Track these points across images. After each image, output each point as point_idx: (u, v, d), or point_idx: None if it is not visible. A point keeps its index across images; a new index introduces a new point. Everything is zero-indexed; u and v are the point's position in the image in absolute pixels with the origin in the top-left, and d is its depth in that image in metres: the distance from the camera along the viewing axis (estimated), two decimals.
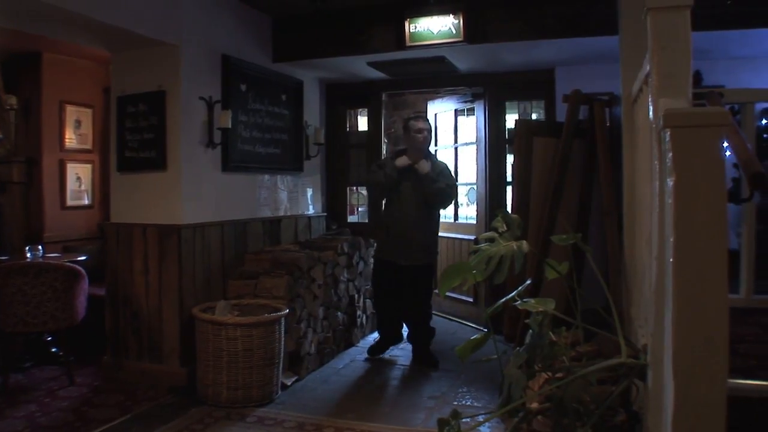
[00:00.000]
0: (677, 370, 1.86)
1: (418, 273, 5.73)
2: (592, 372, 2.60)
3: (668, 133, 1.90)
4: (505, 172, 6.86)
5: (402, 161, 5.70)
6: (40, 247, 5.63)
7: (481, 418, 3.41)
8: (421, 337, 5.86)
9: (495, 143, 6.89)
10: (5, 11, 4.16)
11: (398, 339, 6.18)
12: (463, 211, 7.81)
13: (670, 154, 1.86)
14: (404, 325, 6.16)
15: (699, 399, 1.85)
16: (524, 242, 2.95)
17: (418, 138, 5.69)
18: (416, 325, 5.89)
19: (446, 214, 7.91)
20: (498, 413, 2.78)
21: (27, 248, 5.54)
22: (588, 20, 5.17)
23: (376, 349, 6.03)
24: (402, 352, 6.15)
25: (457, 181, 7.24)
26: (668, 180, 1.88)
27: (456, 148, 7.57)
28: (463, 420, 2.84)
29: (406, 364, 5.76)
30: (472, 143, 7.20)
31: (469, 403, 4.74)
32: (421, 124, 5.73)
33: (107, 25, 4.48)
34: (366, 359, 5.95)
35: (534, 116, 7.35)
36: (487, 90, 6.90)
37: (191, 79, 5.14)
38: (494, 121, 6.90)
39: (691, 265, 1.84)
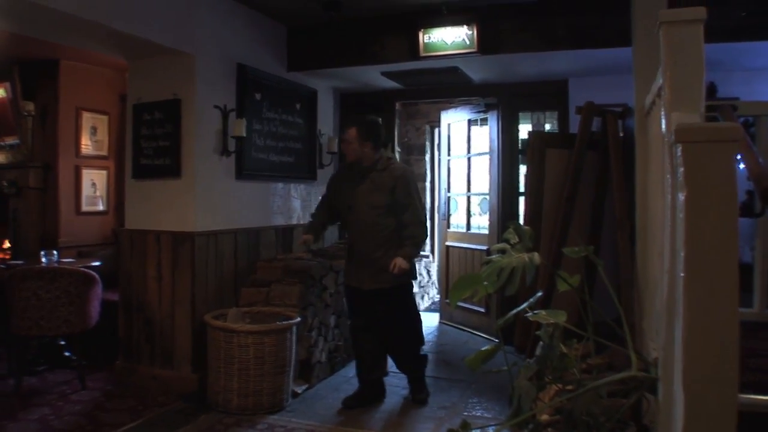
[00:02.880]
0: (687, 384, 1.87)
1: (390, 297, 4.83)
2: (602, 385, 2.60)
3: (680, 147, 1.91)
4: (518, 183, 6.86)
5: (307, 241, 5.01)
6: (55, 252, 5.68)
7: (491, 430, 3.42)
8: (409, 367, 5.08)
9: (508, 154, 6.89)
10: (24, 20, 4.22)
11: (379, 393, 5.08)
12: (476, 221, 7.81)
13: (682, 169, 1.87)
14: (385, 370, 5.15)
15: (709, 413, 1.85)
16: (536, 254, 2.96)
17: (344, 150, 4.98)
18: (401, 354, 5.08)
19: (458, 224, 7.92)
20: (507, 424, 2.78)
21: (42, 253, 5.60)
22: (601, 32, 5.18)
23: (351, 400, 4.91)
24: None
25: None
26: (680, 195, 1.89)
27: (469, 158, 7.58)
28: (474, 431, 2.85)
29: None
30: (485, 153, 7.20)
31: (479, 413, 4.74)
32: (344, 136, 4.96)
33: (124, 34, 4.53)
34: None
35: (547, 127, 7.35)
36: (500, 100, 6.91)
37: (206, 87, 5.19)
38: (507, 131, 6.91)
39: (702, 279, 1.84)
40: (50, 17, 4.04)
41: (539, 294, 3.52)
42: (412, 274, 4.92)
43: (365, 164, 4.84)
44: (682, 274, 1.88)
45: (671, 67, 2.35)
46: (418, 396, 4.98)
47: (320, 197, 5.45)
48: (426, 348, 6.63)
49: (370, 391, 4.98)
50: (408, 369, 5.08)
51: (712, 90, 5.31)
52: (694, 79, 2.33)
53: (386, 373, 5.14)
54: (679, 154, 1.91)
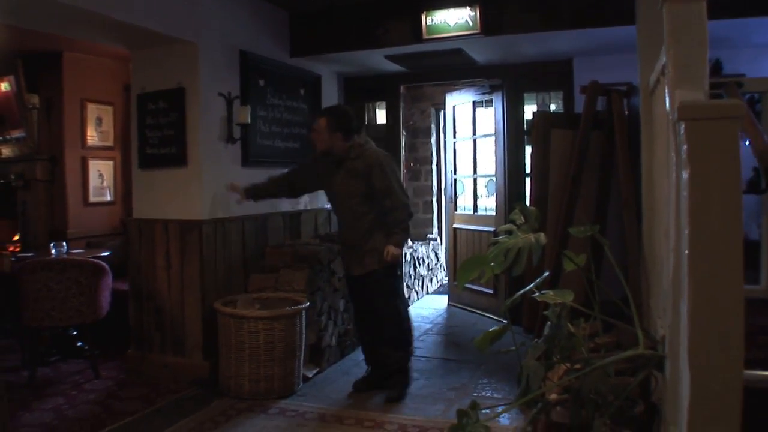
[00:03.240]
0: (693, 361, 1.88)
1: (373, 281, 4.76)
2: (610, 363, 2.62)
3: (683, 125, 1.91)
4: (524, 164, 6.85)
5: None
6: (64, 243, 5.70)
7: (500, 410, 3.44)
8: (386, 354, 4.85)
9: (513, 135, 6.88)
10: (25, 13, 4.22)
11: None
12: (482, 202, 7.81)
13: (685, 147, 1.87)
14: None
15: (715, 389, 1.87)
16: (542, 234, 2.97)
17: (314, 139, 4.91)
18: (381, 341, 4.89)
19: (465, 206, 7.93)
20: (516, 404, 2.80)
21: (51, 244, 5.62)
22: (604, 10, 5.15)
23: (361, 384, 4.93)
24: (422, 344, 6.18)
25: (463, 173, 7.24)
26: (683, 172, 1.90)
27: (474, 140, 7.57)
28: (483, 411, 2.87)
29: (427, 356, 5.78)
30: (490, 135, 7.19)
31: (489, 394, 4.77)
32: (313, 126, 4.90)
33: (125, 24, 4.52)
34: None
35: (553, 107, 7.34)
36: (505, 81, 6.90)
37: (210, 75, 5.19)
38: (512, 112, 6.90)
39: (706, 257, 1.85)
40: (50, 9, 4.05)
41: (546, 274, 3.55)
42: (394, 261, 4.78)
43: (338, 153, 4.79)
44: (686, 252, 1.89)
45: (674, 45, 2.34)
46: (390, 392, 4.72)
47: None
48: (435, 330, 6.73)
49: (379, 374, 4.91)
50: (385, 356, 4.84)
51: (717, 67, 5.29)
52: (697, 57, 2.31)
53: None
54: (683, 131, 1.91)
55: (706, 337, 1.87)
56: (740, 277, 1.83)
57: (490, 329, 2.91)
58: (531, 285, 3.07)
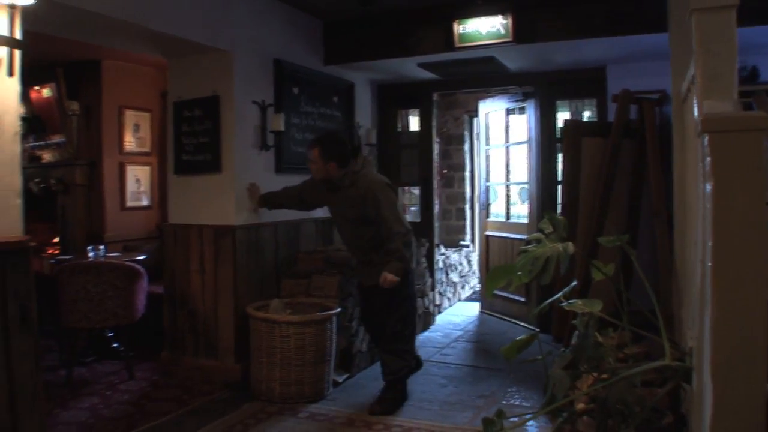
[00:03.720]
0: (716, 372, 1.89)
1: (381, 295, 4.75)
2: (636, 374, 2.62)
3: (706, 137, 1.92)
4: (557, 171, 6.81)
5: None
6: (101, 246, 5.82)
7: (523, 418, 3.45)
8: (384, 364, 4.87)
9: (546, 142, 6.86)
10: (67, 23, 4.33)
11: (415, 364, 5.13)
12: (515, 210, 7.81)
13: (708, 159, 1.88)
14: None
15: (737, 401, 1.87)
16: (570, 244, 2.99)
17: (310, 168, 4.95)
18: (381, 350, 4.97)
19: (498, 213, 7.93)
20: (540, 413, 2.82)
21: (89, 248, 5.75)
22: (637, 18, 5.12)
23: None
24: (453, 351, 6.20)
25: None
26: (706, 185, 1.90)
27: (507, 148, 7.57)
28: (512, 419, 2.89)
29: (456, 363, 5.80)
30: (523, 142, 7.19)
31: (517, 402, 4.77)
32: (308, 155, 4.90)
33: (163, 34, 4.63)
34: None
35: (586, 114, 7.33)
36: (537, 89, 6.89)
37: (244, 83, 5.27)
38: (545, 120, 6.88)
39: (729, 269, 1.86)
40: (91, 20, 4.14)
41: (574, 283, 3.55)
42: (403, 275, 4.71)
43: (334, 180, 4.82)
44: (709, 264, 1.90)
45: (703, 55, 2.34)
46: (374, 405, 4.64)
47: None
48: (465, 337, 6.74)
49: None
50: (385, 367, 4.83)
51: (754, 74, 5.24)
52: (726, 67, 2.31)
53: (420, 365, 5.24)
54: (706, 143, 1.92)
55: (729, 349, 1.87)
56: (764, 289, 1.83)
57: (518, 338, 2.93)
58: (559, 294, 3.09)
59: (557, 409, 2.77)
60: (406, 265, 4.71)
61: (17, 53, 3.23)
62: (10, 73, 3.22)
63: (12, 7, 3.12)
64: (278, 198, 5.32)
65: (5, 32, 3.14)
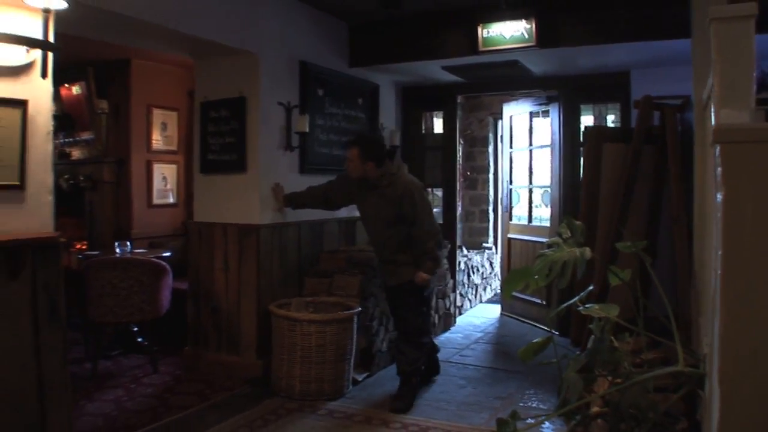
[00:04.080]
0: (723, 379, 1.92)
1: (403, 292, 4.96)
2: (649, 378, 2.65)
3: (718, 147, 1.95)
4: (579, 175, 6.81)
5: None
6: (128, 243, 5.94)
7: (534, 421, 3.48)
8: (399, 362, 5.01)
9: (569, 146, 6.86)
10: (98, 26, 4.43)
11: (433, 369, 5.43)
12: (538, 213, 7.83)
13: (719, 169, 1.92)
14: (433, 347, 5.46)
15: (744, 408, 1.90)
16: (587, 249, 3.02)
17: (347, 168, 5.05)
18: (399, 339, 5.12)
19: (520, 216, 7.95)
20: (553, 415, 2.86)
21: (116, 244, 5.85)
22: (660, 24, 5.13)
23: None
24: (472, 352, 6.25)
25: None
26: (718, 194, 1.94)
27: (531, 151, 7.60)
28: (528, 420, 2.93)
29: (475, 365, 5.84)
30: (546, 146, 7.21)
31: (534, 405, 4.80)
32: (347, 154, 5.02)
33: (191, 36, 4.71)
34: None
35: (610, 118, 7.32)
36: (561, 93, 6.91)
37: (270, 85, 5.35)
38: (569, 124, 6.90)
39: (738, 278, 1.89)
40: (122, 23, 4.24)
41: (590, 288, 3.58)
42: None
43: (371, 180, 4.95)
44: (719, 272, 1.93)
45: (721, 64, 2.36)
46: (395, 401, 4.76)
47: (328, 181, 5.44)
48: (485, 339, 6.78)
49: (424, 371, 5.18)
50: (399, 362, 4.99)
51: None
52: (744, 76, 2.33)
53: (436, 350, 5.49)
54: (718, 153, 1.95)
55: (737, 356, 1.90)
56: None
57: (534, 340, 2.97)
58: (575, 298, 3.12)
59: (571, 412, 2.81)
60: (438, 264, 4.99)
61: (50, 56, 3.33)
62: (44, 75, 3.32)
63: (46, 11, 3.22)
64: (302, 198, 5.41)
65: (39, 35, 3.24)
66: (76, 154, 7.46)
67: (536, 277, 3.05)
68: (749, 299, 1.89)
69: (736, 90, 2.32)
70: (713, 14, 2.38)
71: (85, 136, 7.32)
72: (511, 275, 3.18)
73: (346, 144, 5.25)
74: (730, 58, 2.35)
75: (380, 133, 6.93)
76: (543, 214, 7.78)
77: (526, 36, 5.54)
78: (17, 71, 3.28)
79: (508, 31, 5.61)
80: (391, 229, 4.93)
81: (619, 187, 5.01)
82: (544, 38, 5.52)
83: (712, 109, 2.44)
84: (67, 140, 7.42)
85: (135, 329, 5.95)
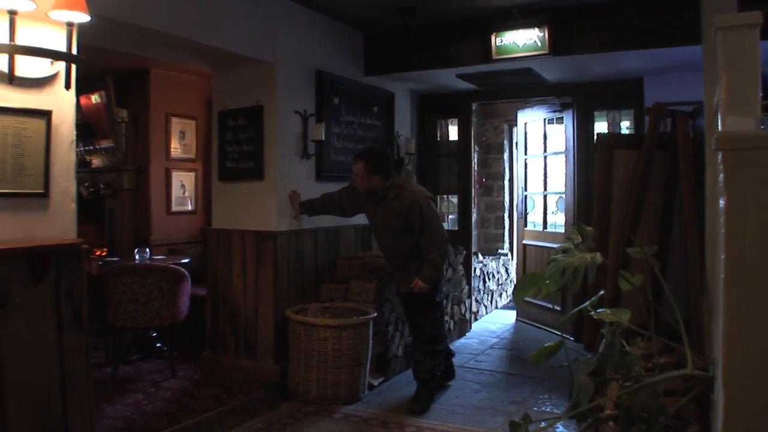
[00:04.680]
0: (727, 381, 1.96)
1: (416, 300, 5.03)
2: (658, 381, 2.69)
3: (720, 154, 2.00)
4: (594, 182, 6.85)
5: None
6: (147, 249, 6.04)
7: (545, 424, 3.52)
8: (415, 368, 5.13)
9: (584, 153, 6.89)
10: (119, 37, 4.54)
11: (448, 373, 5.47)
12: (552, 219, 7.87)
13: (721, 176, 1.97)
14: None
15: (746, 410, 1.94)
16: (598, 254, 3.06)
17: (354, 181, 5.15)
18: (414, 348, 5.26)
19: (535, 222, 7.99)
20: (564, 417, 2.91)
21: (136, 250, 5.96)
22: (672, 31, 5.16)
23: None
24: (487, 358, 6.29)
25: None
26: (720, 200, 1.99)
27: (545, 157, 7.64)
28: (541, 424, 2.98)
29: (490, 370, 5.88)
30: (561, 153, 7.25)
31: (548, 409, 4.83)
32: (353, 168, 5.10)
33: (209, 47, 4.81)
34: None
35: (625, 124, 7.35)
36: (575, 100, 6.95)
37: (287, 94, 5.43)
38: (583, 130, 6.93)
39: (740, 282, 1.93)
40: (143, 35, 4.35)
41: (601, 293, 3.62)
42: (436, 283, 5.05)
43: (378, 192, 5.03)
44: (722, 277, 1.98)
45: (727, 72, 2.40)
46: (413, 403, 4.86)
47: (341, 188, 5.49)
48: (500, 344, 6.81)
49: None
50: (415, 368, 5.11)
51: None
52: (750, 83, 2.36)
53: (452, 354, 5.55)
54: (720, 160, 2.00)
55: (740, 359, 1.95)
56: None
57: (546, 344, 3.02)
58: (586, 303, 3.17)
59: (582, 414, 2.85)
60: (438, 275, 5.04)
61: (74, 67, 3.43)
62: (67, 86, 3.42)
63: (70, 25, 3.31)
64: (318, 205, 5.49)
65: (63, 48, 3.34)
66: (96, 162, 7.58)
67: (548, 282, 3.10)
68: (752, 303, 1.92)
69: (742, 97, 2.36)
70: (719, 23, 2.42)
71: (105, 144, 7.44)
72: (522, 280, 3.23)
73: (353, 158, 5.32)
74: (736, 66, 2.38)
75: (396, 141, 7.00)
76: (558, 221, 7.82)
77: (539, 44, 5.59)
78: (42, 83, 3.38)
79: (521, 40, 5.66)
80: (400, 239, 5.03)
81: (630, 193, 5.04)
82: (556, 46, 5.57)
83: (719, 116, 2.48)
84: (87, 148, 7.54)
85: (154, 334, 6.06)
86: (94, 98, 7.29)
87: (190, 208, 7.58)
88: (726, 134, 2.00)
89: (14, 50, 3.13)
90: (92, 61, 3.55)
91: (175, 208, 7.40)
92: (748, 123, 2.24)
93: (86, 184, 7.28)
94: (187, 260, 6.17)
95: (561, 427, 4.31)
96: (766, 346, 1.92)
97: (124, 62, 6.61)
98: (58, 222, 3.50)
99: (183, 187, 7.46)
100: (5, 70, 3.16)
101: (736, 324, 1.94)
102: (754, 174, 1.91)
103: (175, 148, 7.39)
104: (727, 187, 1.93)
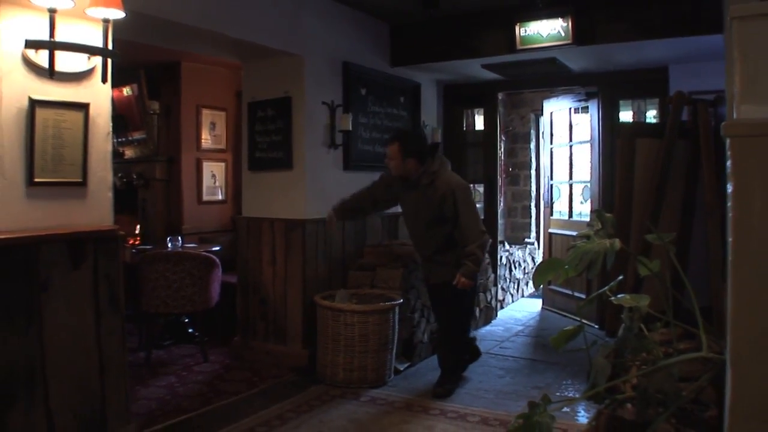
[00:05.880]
0: (734, 359, 2.05)
1: (450, 289, 4.88)
2: (673, 364, 2.77)
3: (728, 141, 2.08)
4: None
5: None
6: (179, 238, 6.20)
7: (559, 403, 3.60)
8: (442, 356, 5.17)
9: (609, 142, 6.88)
10: (152, 32, 4.69)
11: (473, 354, 5.50)
12: (579, 208, 7.90)
13: (729, 162, 2.05)
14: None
15: (753, 386, 2.02)
16: (617, 240, 3.14)
17: (388, 165, 5.05)
18: (441, 342, 5.34)
19: (561, 211, 8.03)
20: (583, 397, 2.98)
21: (168, 239, 6.13)
22: (695, 19, 5.17)
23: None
24: (512, 344, 6.38)
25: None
26: (729, 185, 2.07)
27: (571, 147, 7.67)
28: (565, 409, 3.06)
29: (515, 356, 5.97)
30: (586, 142, 7.28)
31: (571, 394, 4.91)
32: (387, 151, 5.02)
33: (239, 41, 4.93)
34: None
35: (651, 113, 7.36)
36: (600, 89, 6.96)
37: (314, 85, 5.55)
38: (608, 119, 6.94)
39: (747, 265, 2.01)
40: (175, 29, 4.49)
41: (620, 278, 3.69)
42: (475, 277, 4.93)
43: (411, 177, 4.92)
44: (730, 260, 2.06)
45: (742, 60, 2.44)
46: (437, 387, 4.93)
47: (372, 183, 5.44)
48: (526, 332, 6.89)
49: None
50: (441, 358, 5.16)
51: None
52: (764, 72, 2.41)
53: (474, 339, 5.59)
54: (728, 147, 2.08)
55: (747, 339, 2.03)
56: None
57: (565, 328, 3.11)
58: (605, 288, 3.25)
59: (599, 395, 2.94)
60: (478, 268, 4.83)
61: (110, 62, 3.57)
62: (104, 80, 3.56)
63: (106, 21, 3.45)
64: (352, 208, 5.36)
65: (100, 43, 3.48)
66: (128, 153, 7.76)
67: (566, 267, 3.19)
68: (758, 285, 2.00)
69: (757, 86, 2.41)
70: (734, 13, 2.46)
71: (137, 135, 7.62)
72: (542, 265, 3.30)
73: (386, 141, 5.27)
74: (751, 56, 2.43)
75: (422, 131, 7.07)
76: (584, 210, 7.85)
77: (563, 34, 5.63)
78: (80, 77, 3.53)
79: (545, 30, 5.71)
80: (431, 230, 4.93)
81: (652, 181, 5.09)
82: (580, 36, 5.61)
83: (734, 104, 2.54)
84: (120, 140, 7.71)
85: (186, 320, 6.23)
86: (126, 91, 7.45)
87: (220, 197, 7.73)
88: (733, 121, 2.07)
89: (54, 46, 3.29)
90: (125, 55, 3.68)
91: (205, 197, 7.55)
92: (762, 111, 2.30)
93: (119, 174, 7.43)
94: (217, 248, 6.31)
95: (582, 410, 4.39)
96: None
97: (156, 56, 6.75)
98: (96, 210, 3.66)
99: (213, 177, 7.61)
100: (46, 65, 3.31)
101: (743, 306, 2.02)
102: (760, 160, 1.98)
103: (206, 139, 7.53)
104: (734, 173, 2.01)
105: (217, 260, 5.65)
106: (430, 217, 4.89)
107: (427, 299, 5.67)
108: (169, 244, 6.05)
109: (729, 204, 2.05)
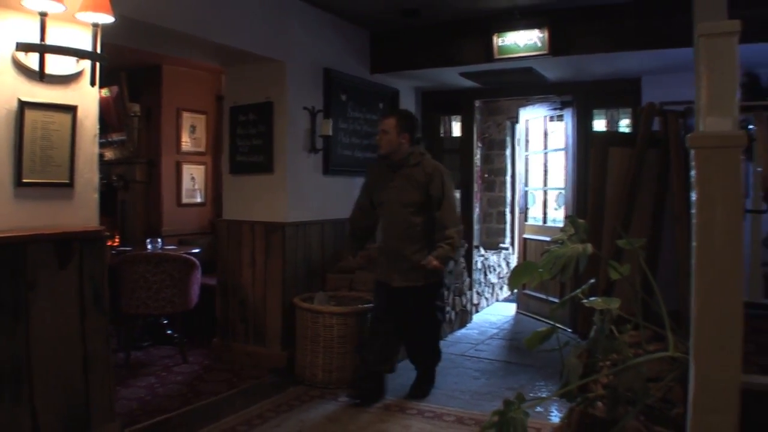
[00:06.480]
0: (697, 356, 2.18)
1: (420, 295, 4.79)
2: (641, 363, 2.89)
3: (693, 152, 2.21)
4: None
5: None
6: (159, 239, 6.25)
7: (534, 401, 3.71)
8: (422, 360, 5.11)
9: (582, 150, 7.00)
10: (134, 35, 4.72)
11: (378, 393, 4.88)
12: (552, 214, 8.04)
13: (693, 172, 2.18)
14: (394, 366, 5.09)
15: (714, 388, 2.15)
16: (589, 245, 3.26)
17: (380, 141, 4.87)
18: (419, 348, 5.11)
19: (536, 217, 8.17)
20: (556, 395, 3.10)
21: (148, 240, 6.17)
22: (666, 33, 5.34)
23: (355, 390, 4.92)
24: (487, 347, 6.49)
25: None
26: (692, 194, 2.20)
27: (546, 154, 7.80)
28: (537, 408, 3.17)
29: (490, 358, 6.07)
30: (561, 149, 7.41)
31: (545, 395, 5.00)
32: (381, 126, 4.87)
33: (222, 46, 4.99)
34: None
35: (624, 122, 7.52)
36: (575, 98, 7.10)
37: (296, 90, 5.63)
38: (582, 128, 7.08)
39: (710, 269, 2.14)
40: (159, 33, 4.56)
41: (591, 281, 3.81)
42: (443, 273, 4.93)
43: (397, 158, 4.78)
44: (693, 262, 2.19)
45: (707, 75, 2.58)
46: (419, 389, 4.97)
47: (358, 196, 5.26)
48: (500, 335, 7.00)
49: (369, 384, 4.87)
50: (421, 362, 5.09)
51: (755, 82, 5.40)
52: (727, 87, 2.54)
53: (393, 370, 5.09)
54: (692, 158, 2.21)
55: (708, 339, 2.16)
56: (739, 285, 2.11)
57: (539, 329, 3.22)
58: (577, 290, 3.37)
59: (571, 393, 3.05)
60: (452, 254, 4.71)
61: (98, 65, 3.64)
62: (93, 83, 3.63)
63: (95, 26, 3.52)
64: (360, 227, 5.18)
65: (89, 47, 3.55)
66: (108, 154, 7.77)
67: (541, 270, 3.30)
68: (719, 287, 2.13)
69: (721, 99, 2.55)
70: (701, 30, 2.59)
71: (116, 137, 7.63)
72: (517, 268, 3.41)
73: (381, 116, 5.39)
74: (716, 71, 2.57)
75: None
76: (558, 216, 7.98)
77: (539, 44, 5.77)
78: (68, 79, 3.60)
79: (522, 40, 5.84)
80: (416, 216, 4.71)
81: (623, 189, 5.24)
82: (556, 46, 5.74)
83: (700, 117, 2.68)
84: (100, 141, 7.70)
85: (165, 321, 6.26)
86: (104, 92, 7.44)
87: (199, 200, 7.78)
88: (697, 134, 2.20)
89: (45, 49, 3.35)
90: (108, 58, 3.75)
91: (185, 200, 7.59)
92: (725, 123, 2.43)
93: (99, 176, 7.43)
94: (197, 250, 6.33)
95: (555, 410, 4.52)
96: (731, 327, 2.12)
97: (137, 58, 6.77)
98: (82, 210, 3.72)
99: (193, 179, 7.66)
100: (35, 67, 3.38)
101: (705, 305, 2.15)
102: (722, 170, 2.12)
103: (186, 142, 7.58)
104: (698, 182, 2.14)
105: (197, 262, 5.70)
106: (413, 201, 4.71)
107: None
108: (149, 246, 6.08)
109: (693, 211, 2.18)
